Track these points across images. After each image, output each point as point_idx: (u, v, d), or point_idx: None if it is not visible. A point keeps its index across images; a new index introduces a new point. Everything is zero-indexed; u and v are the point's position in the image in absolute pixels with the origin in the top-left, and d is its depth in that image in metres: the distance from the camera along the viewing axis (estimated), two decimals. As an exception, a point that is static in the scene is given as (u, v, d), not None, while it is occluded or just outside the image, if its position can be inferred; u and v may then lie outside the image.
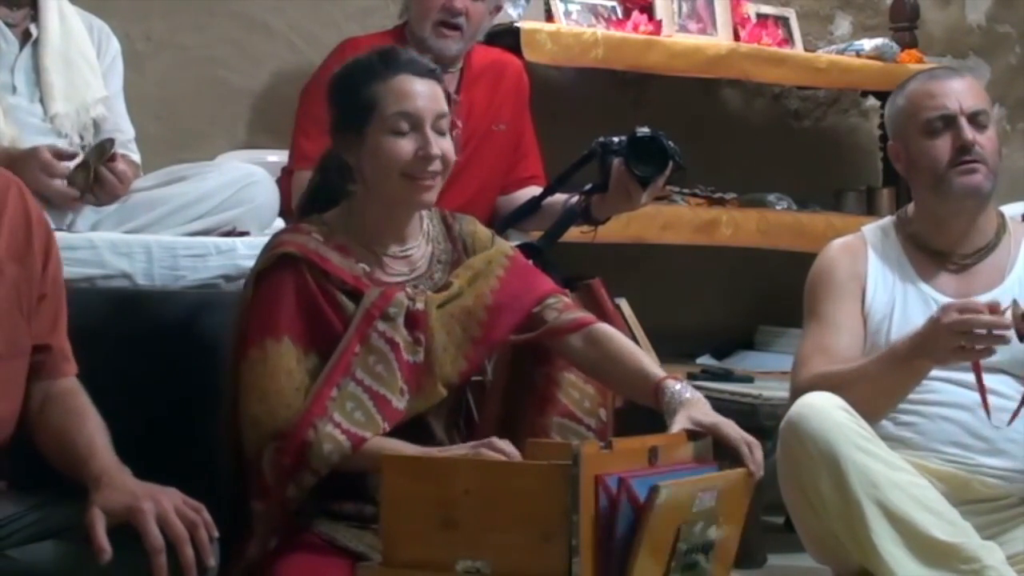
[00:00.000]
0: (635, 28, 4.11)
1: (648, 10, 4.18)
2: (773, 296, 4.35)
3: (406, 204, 2.52)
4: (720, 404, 2.57)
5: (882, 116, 3.93)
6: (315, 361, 2.44)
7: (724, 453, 2.37)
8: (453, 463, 2.19)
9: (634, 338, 3.15)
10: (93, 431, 2.14)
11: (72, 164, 2.90)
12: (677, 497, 2.12)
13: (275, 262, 2.48)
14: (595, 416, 2.63)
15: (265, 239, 2.95)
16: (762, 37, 4.32)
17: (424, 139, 2.47)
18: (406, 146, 2.47)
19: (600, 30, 4.05)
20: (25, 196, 2.24)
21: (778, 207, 4.30)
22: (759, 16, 4.43)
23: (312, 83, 3.58)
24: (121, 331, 2.76)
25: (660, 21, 4.14)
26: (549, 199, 3.22)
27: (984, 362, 2.60)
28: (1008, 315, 2.52)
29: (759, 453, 2.36)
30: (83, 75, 3.13)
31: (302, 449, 2.34)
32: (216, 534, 2.03)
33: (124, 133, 3.22)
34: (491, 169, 3.59)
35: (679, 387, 2.46)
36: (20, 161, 2.82)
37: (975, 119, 2.81)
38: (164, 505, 1.99)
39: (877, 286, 2.85)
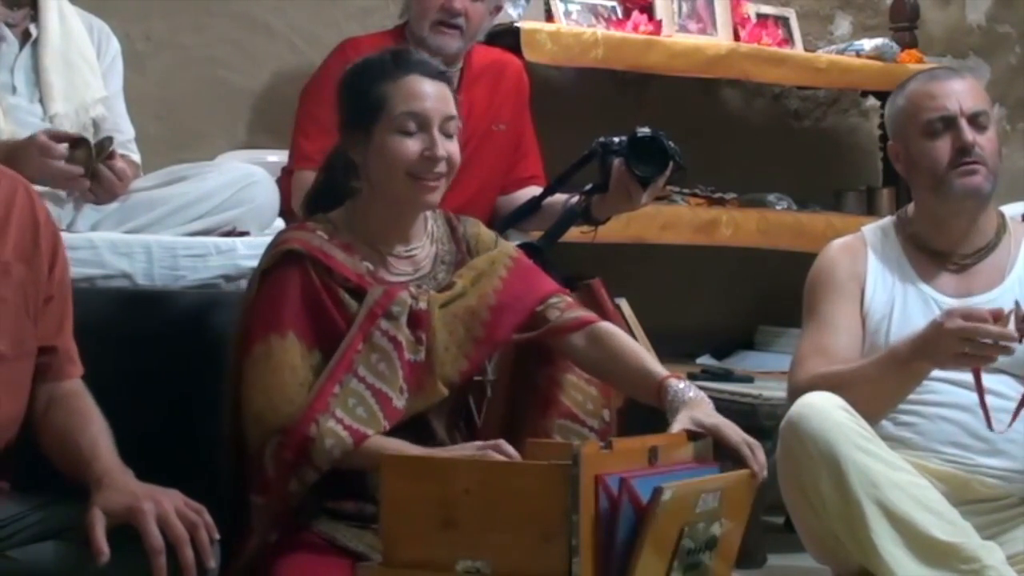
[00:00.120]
0: (635, 28, 4.11)
1: (648, 10, 4.18)
2: (773, 296, 4.35)
3: (410, 204, 2.53)
4: (720, 404, 2.57)
5: (882, 116, 3.93)
6: (318, 358, 2.44)
7: (724, 454, 2.37)
8: (453, 463, 2.19)
9: (634, 338, 3.15)
10: (96, 433, 2.14)
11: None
12: (681, 498, 2.12)
13: (280, 259, 2.48)
14: (598, 417, 2.63)
15: (265, 239, 2.95)
16: (762, 37, 4.32)
17: (431, 140, 2.48)
18: (412, 146, 2.48)
19: (600, 30, 4.05)
20: (33, 197, 2.25)
21: (778, 207, 4.30)
22: (759, 16, 4.43)
23: (312, 83, 3.58)
24: (121, 331, 2.76)
25: (660, 21, 4.14)
26: (549, 199, 3.22)
27: (984, 362, 2.61)
28: (1011, 325, 2.52)
29: (761, 455, 2.36)
30: (83, 75, 3.13)
31: (304, 444, 2.34)
32: (217, 536, 2.03)
33: (124, 133, 3.22)
34: (491, 169, 3.59)
35: (682, 386, 2.46)
36: (20, 150, 2.82)
37: (975, 120, 2.81)
38: (165, 506, 1.99)
39: (876, 286, 2.85)
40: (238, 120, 4.00)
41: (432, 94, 2.50)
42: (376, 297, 2.46)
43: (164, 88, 3.89)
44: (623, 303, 3.40)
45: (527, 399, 2.65)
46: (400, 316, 2.46)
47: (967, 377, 2.64)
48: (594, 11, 4.16)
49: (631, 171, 2.95)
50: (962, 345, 2.53)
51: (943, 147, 2.80)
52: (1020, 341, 2.53)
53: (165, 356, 2.79)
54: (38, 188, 2.89)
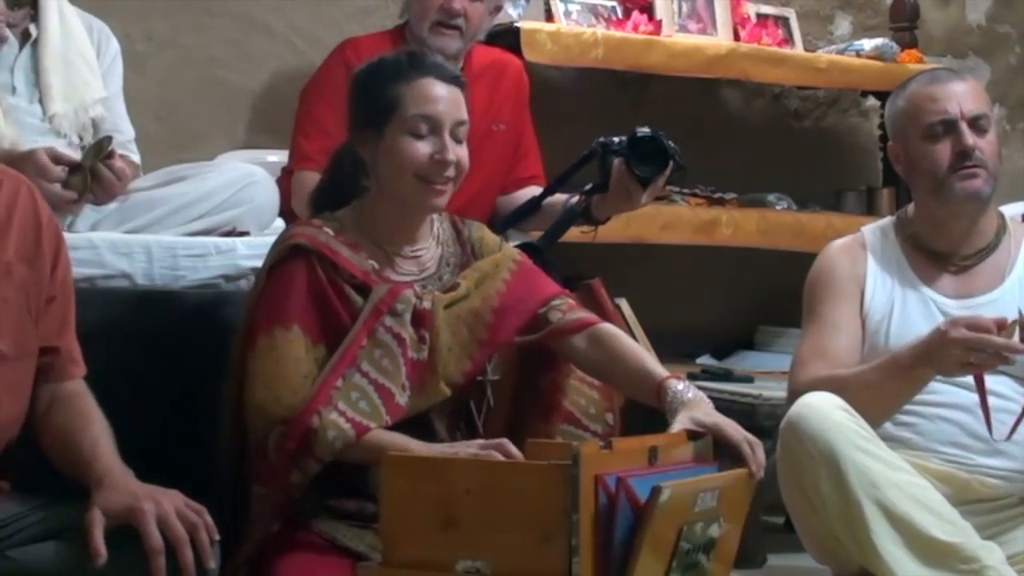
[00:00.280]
0: (635, 28, 4.11)
1: (648, 10, 4.17)
2: (773, 296, 4.35)
3: (417, 206, 2.54)
4: (720, 404, 2.57)
5: (882, 116, 3.93)
6: (323, 352, 2.45)
7: (724, 453, 2.37)
8: (453, 463, 2.19)
9: (634, 338, 3.15)
10: (98, 433, 2.14)
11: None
12: (679, 497, 2.12)
13: (286, 253, 2.50)
14: (600, 421, 2.64)
15: (265, 239, 2.96)
16: (762, 37, 4.32)
17: (441, 144, 2.49)
18: (423, 148, 2.49)
19: (600, 30, 4.05)
20: (36, 197, 2.25)
21: (778, 207, 4.30)
22: (759, 16, 4.43)
23: (312, 83, 3.58)
24: (121, 331, 2.76)
25: (660, 21, 4.14)
26: (549, 199, 3.22)
27: (984, 364, 2.61)
28: (1016, 336, 2.51)
29: (761, 453, 2.37)
30: (82, 75, 3.13)
31: (306, 435, 2.35)
32: (217, 536, 2.03)
33: (124, 133, 3.22)
34: (491, 169, 3.59)
35: (682, 387, 2.47)
36: (17, 164, 2.81)
37: (976, 123, 2.81)
38: (165, 507, 1.99)
39: (876, 287, 2.85)
40: (238, 120, 4.00)
41: (445, 98, 2.51)
42: (381, 295, 2.47)
43: (164, 88, 3.89)
44: (623, 303, 3.41)
45: (530, 403, 2.66)
46: (404, 314, 2.47)
47: (967, 377, 2.64)
48: (594, 11, 4.15)
49: (631, 171, 2.95)
50: (966, 355, 2.52)
51: (943, 150, 2.80)
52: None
53: (165, 356, 2.79)
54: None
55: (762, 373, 4.01)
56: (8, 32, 3.06)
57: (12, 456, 2.19)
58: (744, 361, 4.31)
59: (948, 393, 2.73)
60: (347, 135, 2.62)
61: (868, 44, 4.43)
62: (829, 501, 2.57)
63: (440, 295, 2.53)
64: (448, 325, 2.51)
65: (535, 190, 3.43)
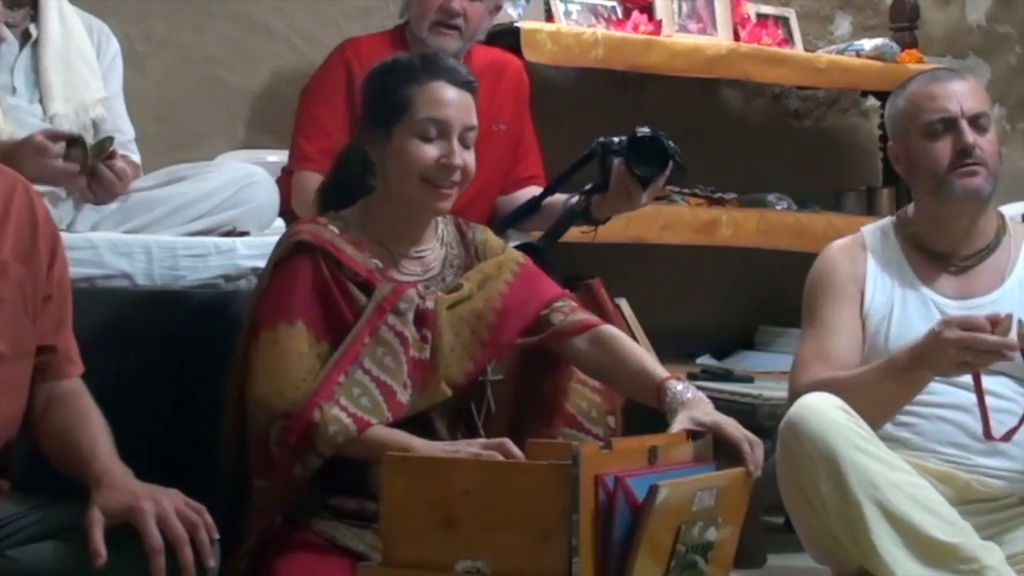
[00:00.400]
0: (635, 28, 4.11)
1: (648, 10, 4.17)
2: (773, 296, 4.35)
3: (421, 208, 2.55)
4: (720, 404, 2.57)
5: (882, 116, 3.93)
6: (326, 348, 2.46)
7: (724, 452, 2.37)
8: (453, 463, 2.20)
9: (634, 338, 3.15)
10: (96, 432, 2.14)
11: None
12: (677, 496, 2.12)
13: (291, 250, 2.50)
14: (602, 424, 2.65)
15: (265, 239, 2.97)
16: (762, 37, 4.32)
17: (449, 148, 2.50)
18: (430, 151, 2.49)
19: (600, 30, 4.05)
20: (32, 196, 2.24)
21: (778, 207, 4.30)
22: (759, 16, 4.43)
23: (312, 83, 3.58)
24: (121, 331, 2.76)
25: (660, 21, 4.14)
26: (549, 199, 3.22)
27: (984, 365, 2.61)
28: (1013, 333, 2.51)
29: (759, 452, 2.37)
30: (82, 75, 3.13)
31: (308, 430, 2.36)
32: (216, 536, 2.03)
33: (124, 134, 3.22)
34: (491, 169, 3.58)
35: (681, 387, 2.47)
36: (16, 150, 2.82)
37: (976, 122, 2.81)
38: (164, 506, 1.99)
39: (876, 288, 2.85)
40: (238, 120, 4.00)
41: (456, 102, 2.52)
42: (385, 293, 2.48)
43: (164, 88, 3.89)
44: (623, 303, 3.41)
45: (532, 406, 2.67)
46: (407, 313, 2.47)
47: (966, 378, 2.64)
48: (594, 11, 4.15)
49: (631, 171, 2.95)
50: (962, 354, 2.52)
51: (943, 148, 2.80)
52: (1020, 351, 2.53)
53: (165, 356, 2.79)
54: (37, 189, 2.91)
55: (762, 373, 4.01)
56: (8, 32, 3.07)
57: (11, 456, 2.19)
58: (744, 361, 4.31)
59: (947, 393, 2.73)
60: (357, 132, 2.63)
61: (868, 44, 4.43)
62: (829, 501, 2.57)
63: (443, 295, 2.53)
64: (451, 325, 2.52)
65: (535, 190, 3.43)
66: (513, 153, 3.66)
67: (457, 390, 2.53)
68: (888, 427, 2.73)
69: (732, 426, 2.39)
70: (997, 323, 2.52)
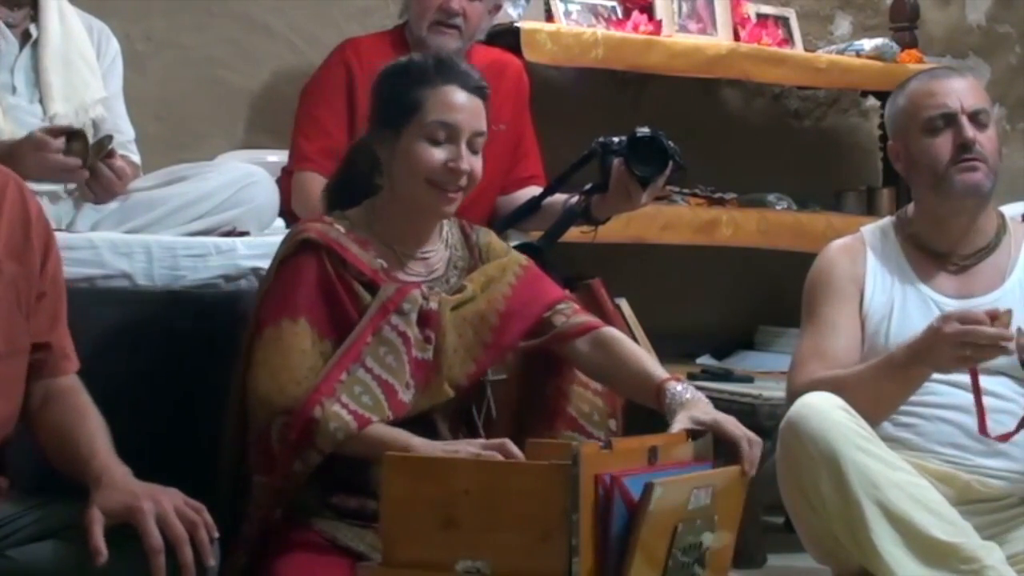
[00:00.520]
0: (635, 28, 4.11)
1: (648, 10, 4.17)
2: (773, 296, 4.35)
3: (426, 211, 2.56)
4: (720, 404, 2.57)
5: (882, 116, 3.93)
6: (329, 346, 2.46)
7: (724, 452, 2.37)
8: (453, 463, 2.20)
9: (634, 338, 3.15)
10: (94, 430, 2.14)
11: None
12: (672, 495, 2.12)
13: (297, 247, 2.51)
14: (604, 427, 2.66)
15: (265, 239, 2.97)
16: (762, 37, 4.32)
17: (457, 152, 2.51)
18: (438, 155, 2.50)
19: (600, 30, 4.05)
20: (24, 193, 2.23)
21: (778, 207, 4.30)
22: (759, 16, 4.43)
23: (312, 84, 3.58)
24: (121, 331, 2.76)
25: (660, 21, 4.14)
26: (549, 199, 3.22)
27: (984, 364, 2.60)
28: (1013, 329, 2.52)
29: (757, 451, 2.37)
30: (82, 76, 3.13)
31: (309, 426, 2.36)
32: (216, 534, 2.02)
33: (124, 134, 3.22)
34: (491, 169, 3.56)
35: (680, 388, 2.48)
36: (17, 148, 2.82)
37: (975, 118, 2.81)
38: (164, 505, 1.99)
39: (876, 287, 2.85)
40: (238, 120, 4.00)
41: (467, 107, 2.53)
42: (389, 293, 2.48)
43: (164, 88, 3.89)
44: (623, 303, 3.40)
45: (534, 409, 2.68)
46: (411, 313, 2.48)
47: (966, 378, 2.64)
48: (594, 11, 4.15)
49: (631, 171, 2.95)
50: (962, 348, 2.53)
51: (943, 144, 2.80)
52: (1020, 361, 2.54)
53: (165, 356, 2.79)
54: (38, 187, 2.91)
55: (762, 373, 4.01)
56: (8, 32, 3.07)
57: (8, 454, 2.18)
58: (744, 361, 4.30)
59: (948, 394, 2.73)
60: (365, 131, 2.62)
61: (868, 44, 4.43)
62: (829, 501, 2.57)
63: (447, 297, 2.54)
64: (454, 327, 2.52)
65: (535, 190, 3.43)
66: (513, 153, 3.66)
67: (459, 391, 2.54)
68: (889, 427, 2.73)
69: (732, 424, 2.40)
70: (996, 317, 2.53)
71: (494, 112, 3.56)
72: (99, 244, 2.85)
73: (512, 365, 2.68)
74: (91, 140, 2.92)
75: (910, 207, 2.94)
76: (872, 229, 2.96)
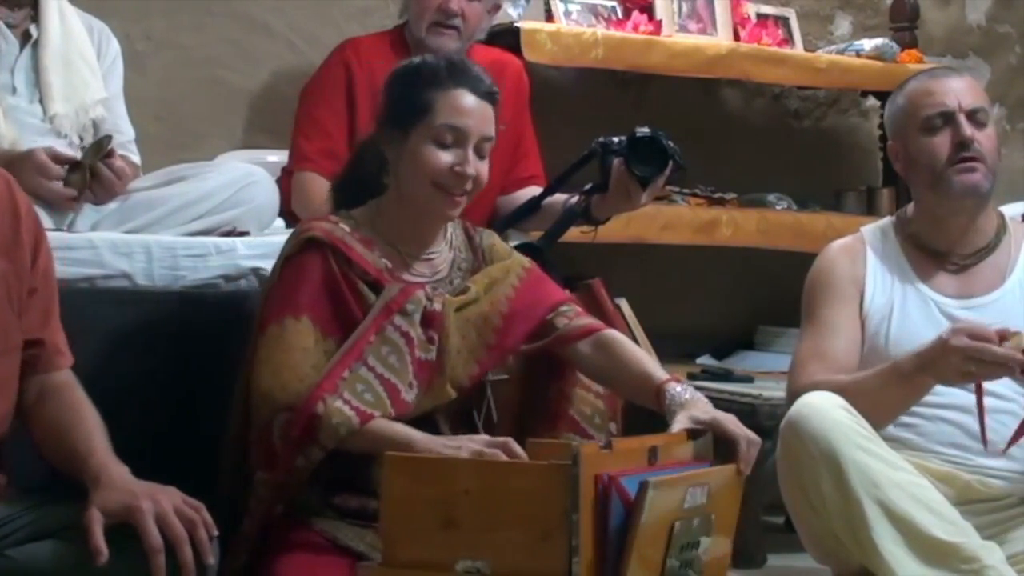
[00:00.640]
0: (635, 28, 4.11)
1: (648, 10, 4.17)
2: (773, 296, 4.35)
3: (431, 213, 2.56)
4: (720, 404, 2.57)
5: (882, 116, 3.93)
6: (332, 345, 2.47)
7: (723, 452, 2.38)
8: (453, 463, 2.20)
9: (634, 338, 3.15)
10: (91, 428, 2.13)
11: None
12: (667, 493, 2.13)
13: (302, 246, 2.51)
14: (604, 430, 2.66)
15: (265, 239, 2.97)
16: (762, 37, 4.32)
17: (464, 156, 2.51)
18: (445, 158, 2.50)
19: (600, 30, 4.05)
20: (13, 188, 2.22)
21: (778, 207, 4.30)
22: (759, 16, 4.43)
23: (312, 84, 3.58)
24: (121, 331, 2.76)
25: (660, 21, 4.14)
26: (549, 199, 3.22)
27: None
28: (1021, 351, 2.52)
29: (754, 451, 2.37)
30: (82, 76, 3.13)
31: (311, 422, 2.36)
32: (216, 533, 2.02)
33: (124, 134, 3.22)
34: (491, 170, 3.58)
35: (679, 389, 2.49)
36: (16, 163, 2.82)
37: (974, 117, 2.81)
38: (163, 505, 1.99)
39: (876, 288, 2.85)
40: (237, 120, 4.00)
41: (476, 112, 2.53)
42: (393, 293, 2.49)
43: (164, 88, 3.89)
44: (623, 303, 3.41)
45: (536, 411, 2.68)
46: (414, 314, 2.48)
47: (968, 377, 2.64)
48: (594, 11, 4.15)
49: (631, 171, 2.95)
50: (967, 364, 2.52)
51: (942, 143, 2.80)
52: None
53: (165, 356, 2.79)
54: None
55: (762, 373, 4.01)
56: (8, 32, 3.07)
57: (5, 452, 2.18)
58: (744, 361, 4.31)
59: (949, 394, 2.73)
60: (374, 129, 2.63)
61: (868, 44, 4.43)
62: (830, 500, 2.57)
63: (451, 298, 2.55)
64: (458, 328, 2.53)
65: (535, 190, 3.43)
66: (513, 153, 3.65)
67: (462, 392, 2.55)
68: (890, 427, 2.72)
69: (731, 422, 2.40)
70: (1006, 337, 2.52)
71: (494, 112, 3.61)
72: (99, 244, 2.85)
73: (514, 367, 2.69)
74: (90, 141, 2.92)
75: (910, 207, 2.94)
76: (872, 229, 2.96)
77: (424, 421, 2.49)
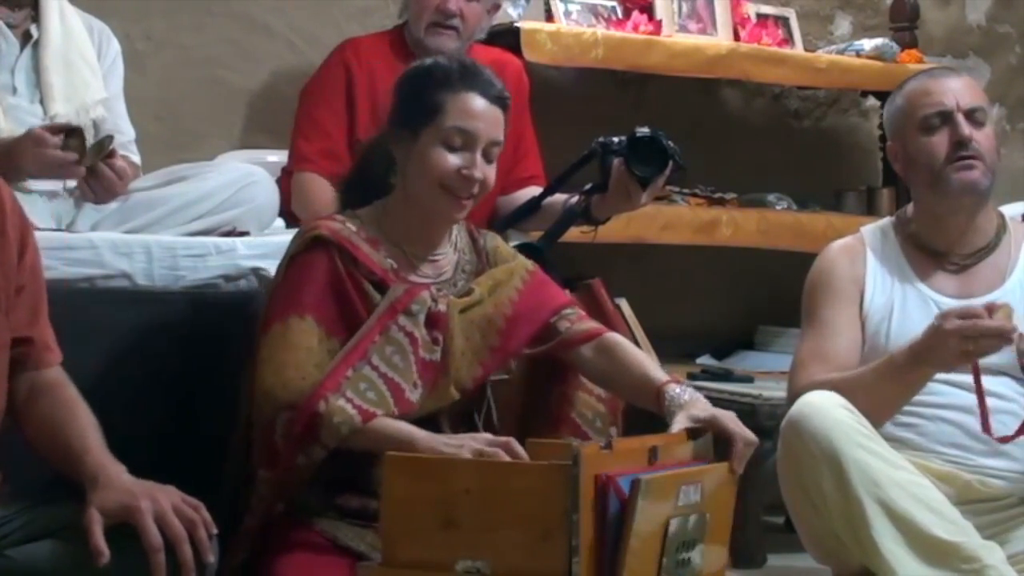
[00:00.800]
0: (635, 28, 4.11)
1: (648, 10, 4.17)
2: (773, 296, 4.35)
3: (437, 215, 2.57)
4: (720, 404, 2.57)
5: (882, 116, 3.93)
6: (336, 344, 2.47)
7: (722, 453, 2.38)
8: (453, 463, 2.20)
9: (634, 338, 3.15)
10: (85, 425, 2.12)
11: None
12: (660, 490, 2.13)
13: (308, 244, 2.52)
14: (606, 434, 2.66)
15: (265, 239, 2.97)
16: (762, 37, 4.32)
17: (471, 160, 2.51)
18: (453, 161, 2.51)
19: (600, 30, 4.05)
20: None
21: (778, 207, 4.30)
22: (759, 16, 4.43)
23: (311, 84, 3.58)
24: (121, 331, 2.76)
25: (660, 21, 4.14)
26: (549, 199, 3.22)
27: (985, 364, 2.60)
28: (1014, 323, 2.52)
29: (748, 451, 2.38)
30: (83, 76, 3.13)
31: (313, 420, 2.36)
32: (215, 531, 2.02)
33: (124, 134, 3.22)
34: (493, 171, 3.59)
35: (679, 390, 2.50)
36: (16, 145, 2.83)
37: (972, 116, 2.81)
38: (162, 504, 1.99)
39: (876, 288, 2.85)
40: (237, 120, 4.00)
41: (486, 116, 2.54)
42: (398, 294, 2.49)
43: (164, 88, 3.89)
44: (623, 303, 3.41)
45: (538, 414, 2.68)
46: (419, 314, 2.48)
47: (967, 379, 2.63)
48: (594, 11, 4.15)
49: (630, 171, 2.95)
50: (964, 343, 2.53)
51: (940, 142, 2.81)
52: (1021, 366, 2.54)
53: (165, 356, 2.79)
54: (38, 186, 2.91)
55: (762, 373, 4.01)
56: (9, 32, 3.07)
57: (1, 452, 2.16)
58: (744, 361, 4.31)
59: (949, 394, 2.73)
60: (384, 129, 2.63)
61: (868, 44, 4.43)
62: (831, 499, 2.57)
63: (455, 299, 2.55)
64: (462, 330, 2.54)
65: (535, 190, 3.43)
66: (513, 153, 3.65)
67: (465, 394, 2.55)
68: (890, 427, 2.73)
69: (729, 420, 2.41)
70: (994, 310, 2.53)
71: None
72: (99, 244, 2.85)
73: (516, 369, 2.69)
74: (90, 140, 2.92)
75: (909, 207, 2.94)
76: (872, 229, 2.96)
77: (427, 422, 2.49)
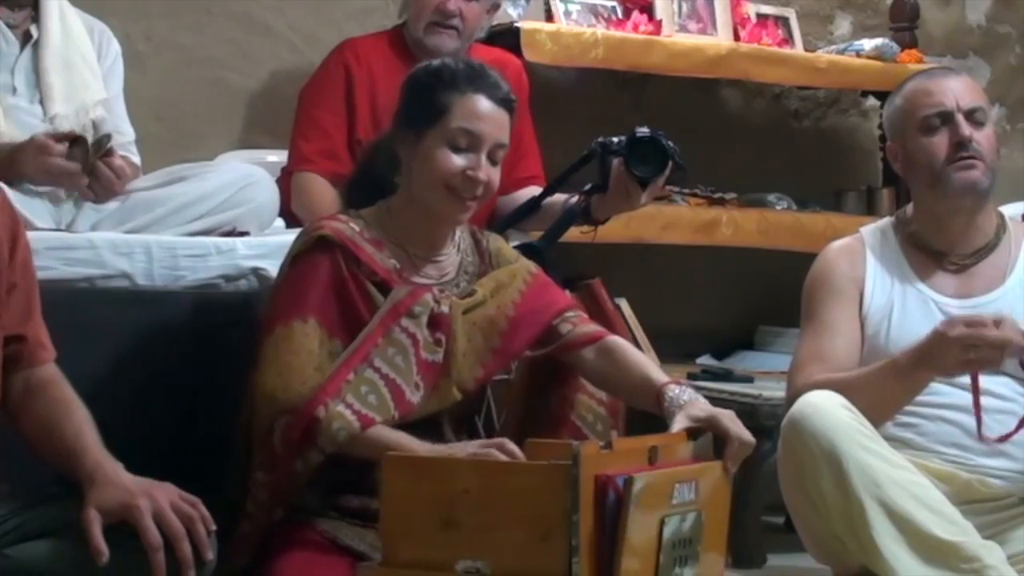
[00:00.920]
0: (635, 28, 4.11)
1: (648, 10, 4.17)
2: (773, 296, 4.35)
3: (441, 216, 2.57)
4: (720, 404, 2.57)
5: (882, 116, 3.93)
6: (337, 346, 2.47)
7: (721, 453, 2.38)
8: (453, 463, 2.20)
9: (634, 338, 3.16)
10: (80, 423, 2.12)
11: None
12: (653, 487, 2.13)
13: (311, 245, 2.52)
14: (606, 437, 2.65)
15: (265, 239, 2.97)
16: (762, 37, 4.32)
17: (476, 161, 2.52)
18: (457, 162, 2.51)
19: (600, 30, 4.05)
20: None
21: (778, 207, 4.30)
22: (759, 16, 4.43)
23: (311, 84, 3.58)
24: (121, 331, 2.76)
25: (660, 21, 4.14)
26: (549, 199, 3.22)
27: (985, 365, 2.61)
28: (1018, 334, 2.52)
29: (744, 451, 2.39)
30: (83, 77, 3.13)
31: (311, 425, 2.36)
32: (213, 527, 2.02)
33: (124, 135, 3.22)
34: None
35: (678, 391, 2.50)
36: (19, 151, 2.83)
37: (972, 116, 2.81)
38: (160, 501, 1.99)
39: (875, 288, 2.85)
40: (237, 120, 4.00)
41: (492, 118, 2.53)
42: (401, 295, 2.49)
43: (164, 88, 3.89)
44: (623, 303, 3.41)
45: (539, 416, 2.68)
46: (421, 316, 2.48)
47: (967, 379, 2.63)
48: (594, 11, 4.15)
49: (630, 171, 2.95)
50: (966, 352, 2.53)
51: (940, 142, 2.81)
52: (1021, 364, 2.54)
53: (165, 356, 2.79)
54: (40, 189, 2.91)
55: (762, 373, 4.01)
56: (9, 32, 3.07)
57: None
58: (744, 361, 4.31)
59: (949, 394, 2.73)
60: (390, 128, 2.63)
61: (868, 44, 4.43)
62: (831, 499, 2.57)
63: (458, 300, 2.55)
64: (465, 331, 2.54)
65: (535, 190, 3.43)
66: (513, 153, 3.63)
67: (467, 395, 2.55)
68: (890, 427, 2.73)
69: (728, 419, 2.41)
70: (1000, 322, 2.53)
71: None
72: (99, 244, 2.85)
73: (517, 372, 2.69)
74: (90, 141, 2.92)
75: (909, 207, 2.94)
76: (871, 229, 2.96)
77: (429, 423, 2.49)
